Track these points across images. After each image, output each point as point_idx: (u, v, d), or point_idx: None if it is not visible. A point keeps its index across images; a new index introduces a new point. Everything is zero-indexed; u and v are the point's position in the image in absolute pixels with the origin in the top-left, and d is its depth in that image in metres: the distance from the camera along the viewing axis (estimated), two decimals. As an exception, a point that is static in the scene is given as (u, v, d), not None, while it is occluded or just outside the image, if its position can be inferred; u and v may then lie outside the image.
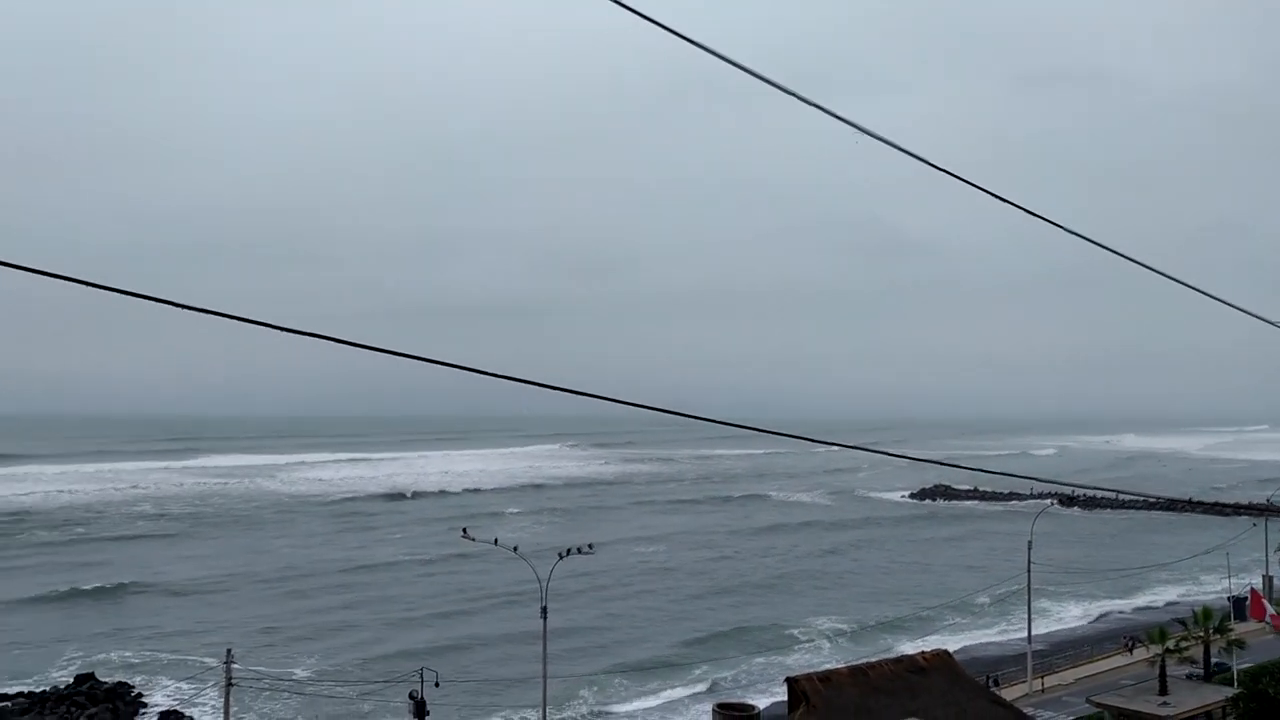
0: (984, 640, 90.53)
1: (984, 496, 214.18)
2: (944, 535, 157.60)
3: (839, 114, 13.20)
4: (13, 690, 72.49)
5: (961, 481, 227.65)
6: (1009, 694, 63.40)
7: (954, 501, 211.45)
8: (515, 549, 57.22)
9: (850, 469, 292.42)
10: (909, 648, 72.44)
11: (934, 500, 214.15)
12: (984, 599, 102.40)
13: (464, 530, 67.83)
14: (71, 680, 74.33)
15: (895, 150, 13.92)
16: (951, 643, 78.69)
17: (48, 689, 72.79)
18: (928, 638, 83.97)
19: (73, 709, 68.67)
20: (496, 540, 64.99)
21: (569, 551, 56.34)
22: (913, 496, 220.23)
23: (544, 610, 51.08)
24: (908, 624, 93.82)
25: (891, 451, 16.36)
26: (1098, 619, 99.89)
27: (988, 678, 67.76)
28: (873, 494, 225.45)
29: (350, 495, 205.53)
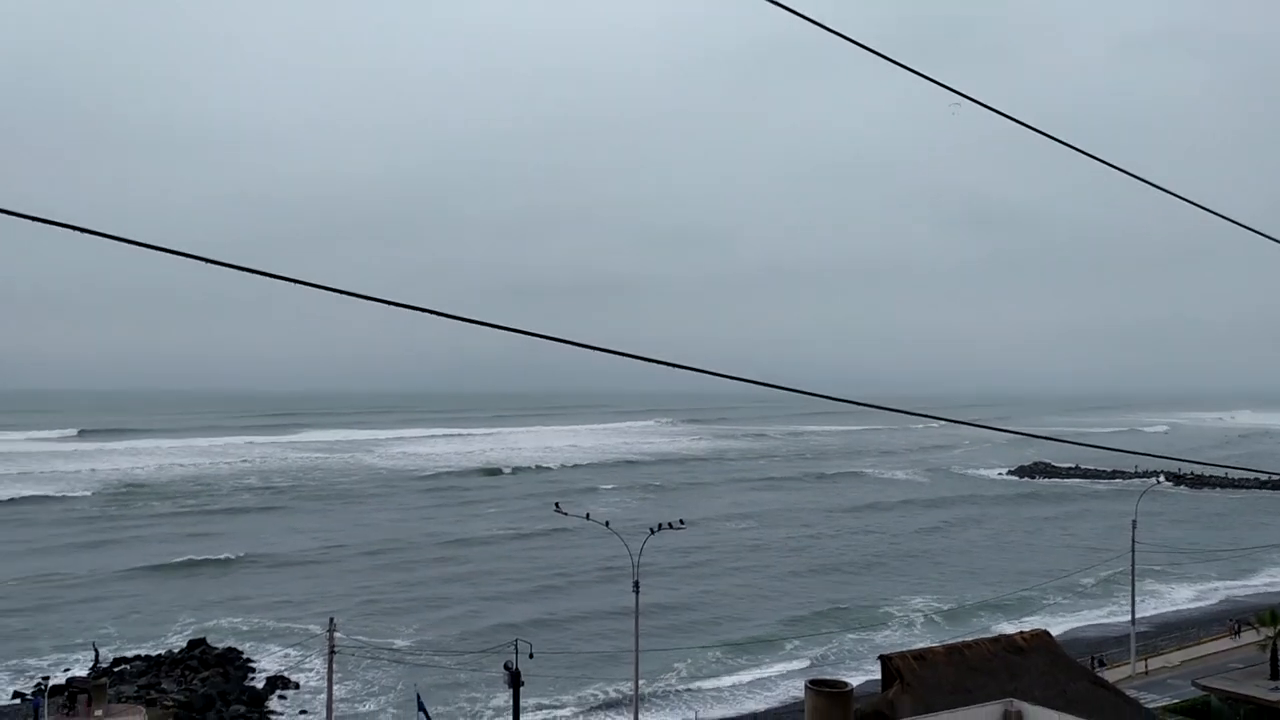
0: (1087, 621, 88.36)
1: (1086, 474, 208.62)
2: (1045, 514, 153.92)
3: (939, 80, 12.78)
4: (131, 654, 76.06)
5: (1063, 459, 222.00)
6: (1112, 675, 61.80)
7: (1055, 479, 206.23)
8: (607, 524, 57.54)
9: (946, 446, 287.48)
10: (1008, 628, 71.07)
11: (1034, 478, 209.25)
12: (1088, 579, 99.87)
13: (556, 505, 68.40)
14: (185, 645, 77.57)
15: (992, 121, 13.44)
16: (1053, 623, 77.05)
17: (163, 653, 76.12)
18: (1028, 618, 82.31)
19: (186, 672, 71.59)
20: (588, 515, 65.45)
21: (660, 527, 56.39)
22: (1012, 474, 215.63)
23: (636, 585, 51.31)
24: (1008, 604, 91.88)
25: (996, 426, 15.89)
26: (1214, 601, 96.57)
27: (1093, 658, 66.19)
28: (970, 471, 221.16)
29: (447, 470, 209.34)
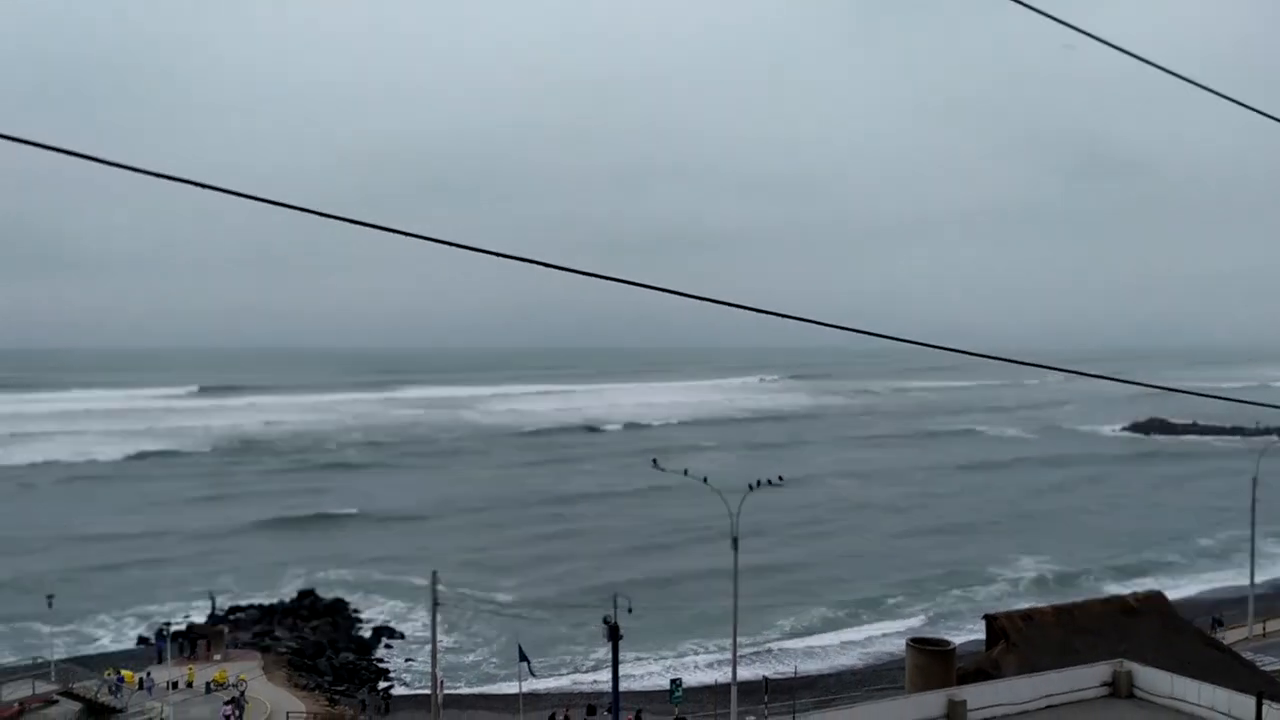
0: (1205, 584, 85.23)
1: (1204, 431, 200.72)
2: (1161, 472, 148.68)
3: (1052, 14, 11.85)
4: (245, 603, 79.01)
5: (1180, 415, 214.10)
6: (1229, 637, 59.52)
7: (1171, 436, 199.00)
8: (705, 479, 57.15)
9: (1057, 402, 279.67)
10: (1121, 591, 68.90)
11: (1149, 434, 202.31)
12: (1206, 540, 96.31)
13: (654, 461, 68.27)
14: (295, 595, 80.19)
15: (1109, 59, 12.41)
16: (1168, 585, 74.37)
17: (275, 602, 78.84)
18: (1142, 580, 79.62)
19: (298, 621, 74.06)
20: (687, 471, 65.05)
21: (759, 483, 55.80)
22: (1126, 430, 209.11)
23: (735, 541, 50.99)
24: (1123, 566, 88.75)
25: (1114, 377, 14.91)
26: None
27: (1212, 619, 64.05)
28: (1083, 428, 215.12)
29: (547, 427, 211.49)
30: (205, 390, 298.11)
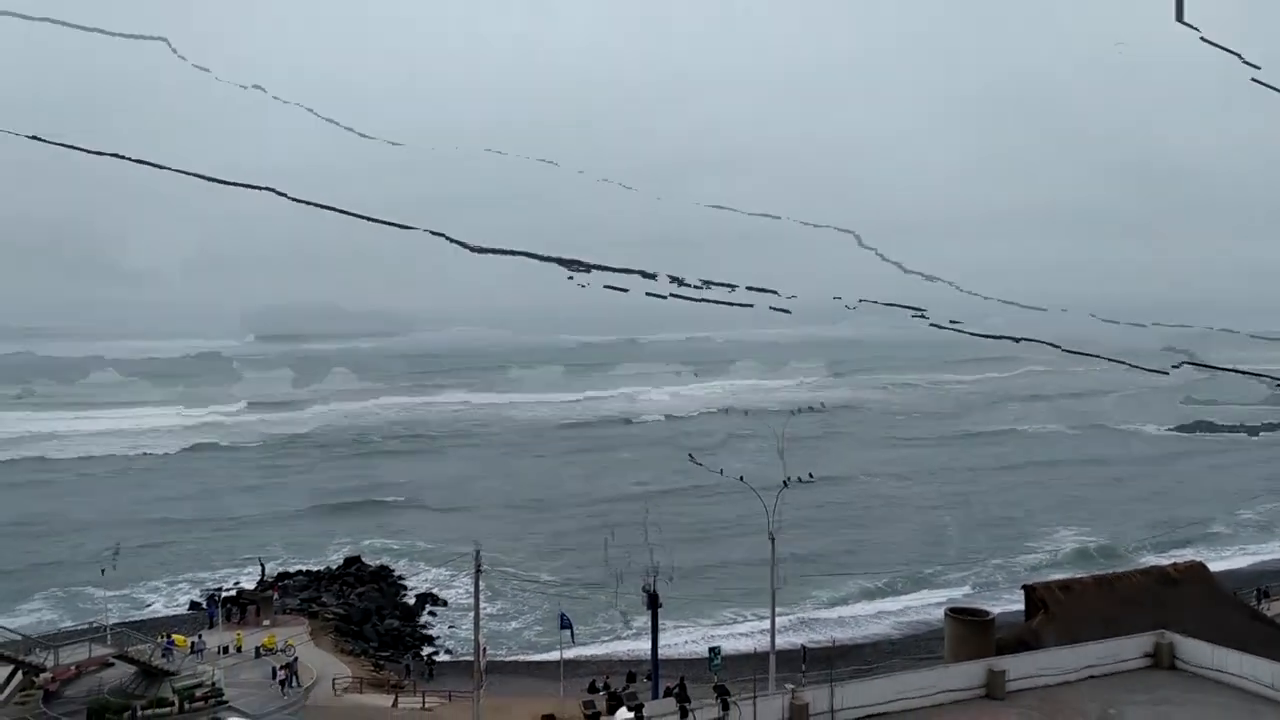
0: (1248, 555, 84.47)
1: (1251, 430, 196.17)
2: (1205, 459, 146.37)
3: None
4: (294, 569, 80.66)
5: (1224, 417, 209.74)
6: (1275, 609, 59.16)
7: (1218, 434, 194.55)
8: (741, 478, 57.48)
9: (1098, 392, 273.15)
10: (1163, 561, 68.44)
11: (1194, 434, 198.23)
12: (1249, 514, 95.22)
13: (691, 456, 68.71)
14: (342, 562, 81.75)
15: (1157, 57, 12.52)
16: (1210, 557, 73.74)
17: (323, 570, 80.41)
18: (1182, 551, 78.79)
19: (344, 588, 75.53)
20: (722, 471, 65.24)
21: (788, 482, 55.92)
22: (1170, 431, 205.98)
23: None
24: (1165, 536, 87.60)
25: (1151, 368, 15.34)
26: None
27: (1257, 591, 63.85)
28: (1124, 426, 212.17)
29: (585, 419, 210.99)
30: (253, 406, 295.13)
